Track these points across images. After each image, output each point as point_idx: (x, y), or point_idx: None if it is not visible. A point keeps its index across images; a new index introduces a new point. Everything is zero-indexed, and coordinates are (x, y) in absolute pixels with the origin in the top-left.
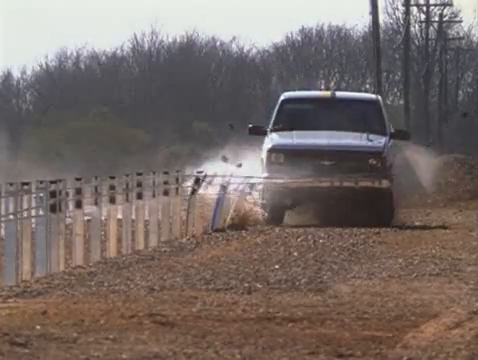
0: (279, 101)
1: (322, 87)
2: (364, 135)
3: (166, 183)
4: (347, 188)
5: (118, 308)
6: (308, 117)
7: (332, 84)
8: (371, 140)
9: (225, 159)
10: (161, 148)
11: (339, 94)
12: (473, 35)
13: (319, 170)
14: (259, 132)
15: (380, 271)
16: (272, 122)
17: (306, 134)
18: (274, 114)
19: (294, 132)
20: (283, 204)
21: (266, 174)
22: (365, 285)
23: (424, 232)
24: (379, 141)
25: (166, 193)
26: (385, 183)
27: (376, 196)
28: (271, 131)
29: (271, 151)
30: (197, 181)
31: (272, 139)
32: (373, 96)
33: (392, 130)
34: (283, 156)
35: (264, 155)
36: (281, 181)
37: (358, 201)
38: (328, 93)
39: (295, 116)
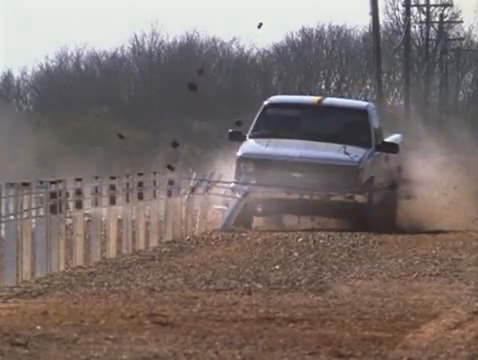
0: (262, 106)
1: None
2: (342, 147)
3: (171, 183)
4: (318, 201)
5: (118, 308)
6: (290, 124)
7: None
8: (347, 153)
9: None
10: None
11: (327, 101)
12: (473, 36)
13: (289, 182)
14: (239, 138)
15: (380, 271)
16: (251, 128)
17: (281, 143)
18: (255, 119)
19: (271, 140)
20: (250, 213)
21: (234, 183)
22: (365, 285)
23: (424, 233)
24: (356, 154)
25: (169, 193)
26: (359, 198)
27: (349, 210)
28: (250, 137)
29: (240, 160)
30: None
31: (244, 147)
32: (363, 104)
33: (380, 142)
34: (252, 165)
35: (234, 163)
36: (247, 191)
37: (331, 214)
38: (316, 99)
39: (276, 123)
